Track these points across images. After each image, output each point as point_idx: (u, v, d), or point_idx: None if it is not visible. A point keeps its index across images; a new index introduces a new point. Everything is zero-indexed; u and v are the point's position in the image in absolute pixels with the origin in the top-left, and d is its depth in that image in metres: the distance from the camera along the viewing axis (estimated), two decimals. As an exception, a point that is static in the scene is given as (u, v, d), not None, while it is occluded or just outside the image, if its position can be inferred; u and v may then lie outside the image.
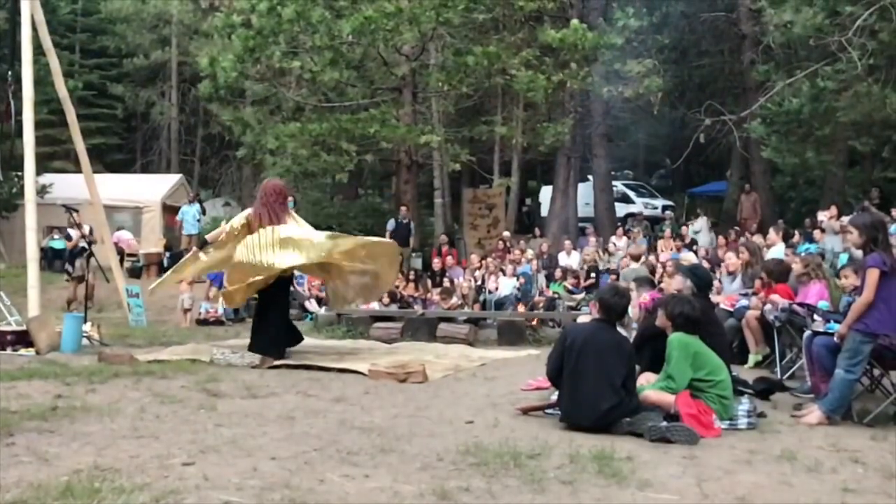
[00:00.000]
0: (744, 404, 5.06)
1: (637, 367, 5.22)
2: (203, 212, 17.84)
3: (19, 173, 13.90)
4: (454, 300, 12.14)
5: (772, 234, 11.25)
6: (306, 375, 6.89)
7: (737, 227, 16.29)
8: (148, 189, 20.34)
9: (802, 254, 9.24)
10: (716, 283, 9.56)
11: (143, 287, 12.29)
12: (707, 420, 4.78)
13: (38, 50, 10.62)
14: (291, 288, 9.73)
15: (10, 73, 10.29)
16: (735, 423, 4.95)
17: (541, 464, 3.90)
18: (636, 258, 13.34)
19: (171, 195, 20.09)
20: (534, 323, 11.21)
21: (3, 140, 12.00)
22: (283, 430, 4.60)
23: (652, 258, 13.46)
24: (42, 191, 16.25)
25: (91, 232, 12.02)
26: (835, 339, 5.29)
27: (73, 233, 11.46)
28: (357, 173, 20.20)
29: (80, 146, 11.15)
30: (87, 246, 11.51)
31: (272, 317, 7.92)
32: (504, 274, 13.28)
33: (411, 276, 13.55)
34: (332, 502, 3.24)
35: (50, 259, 16.83)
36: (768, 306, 7.29)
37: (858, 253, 5.73)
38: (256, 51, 13.93)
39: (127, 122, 29.88)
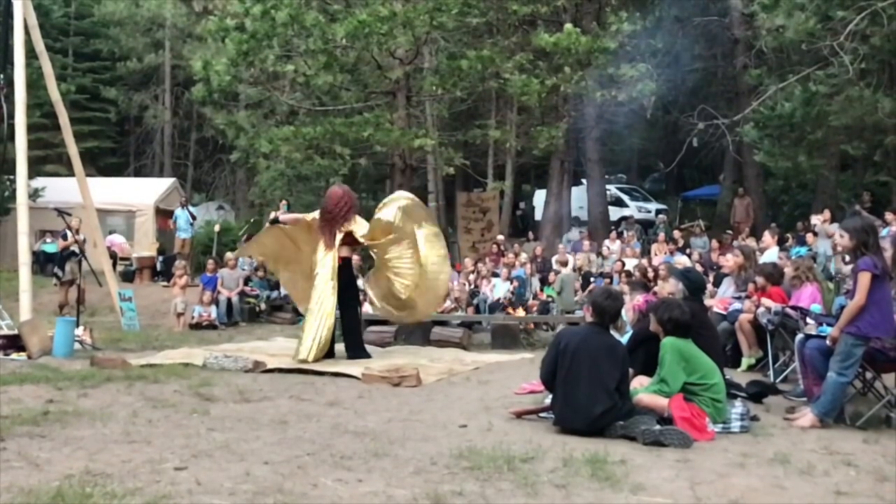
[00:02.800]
0: (737, 407, 5.08)
1: (630, 371, 5.23)
2: (193, 217, 17.72)
3: (11, 177, 13.86)
4: (448, 304, 12.14)
5: (767, 236, 11.29)
6: (299, 379, 6.87)
7: (730, 231, 16.34)
8: (141, 193, 20.27)
9: (794, 257, 9.28)
10: (709, 286, 9.59)
11: (135, 291, 12.25)
12: (700, 423, 4.79)
13: (31, 53, 10.58)
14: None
15: (2, 76, 10.24)
16: (728, 427, 4.96)
17: (534, 467, 3.89)
18: (564, 263, 13.37)
19: (165, 199, 20.04)
20: (528, 326, 11.22)
21: (-5, 143, 11.94)
22: (276, 434, 4.58)
23: (644, 261, 13.51)
24: (34, 194, 16.19)
25: (78, 231, 11.99)
26: (827, 342, 5.31)
27: (69, 235, 11.40)
28: (351, 177, 20.11)
29: (72, 150, 11.11)
30: (77, 251, 11.45)
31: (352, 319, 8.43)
32: (498, 277, 13.28)
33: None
34: (325, 507, 3.23)
35: (42, 263, 16.76)
36: (761, 309, 7.32)
37: (847, 269, 5.75)
38: (250, 54, 13.91)
39: (120, 125, 29.74)
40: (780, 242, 11.54)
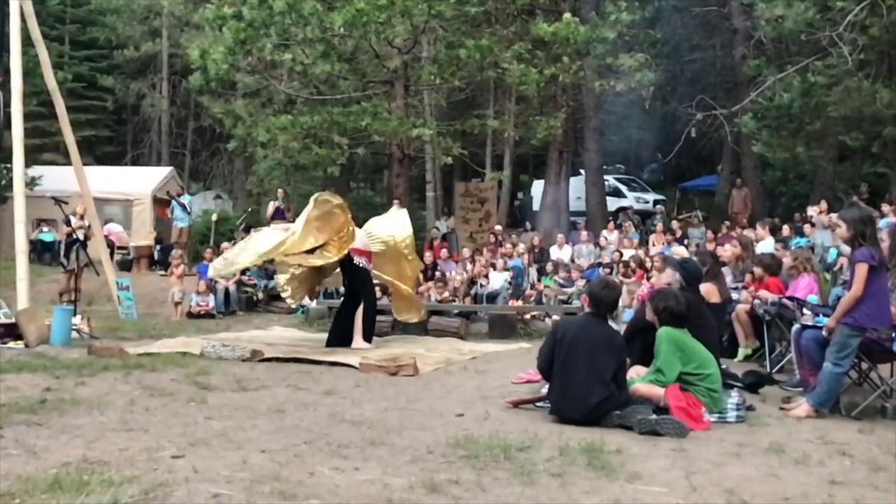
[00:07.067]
0: (733, 397, 5.10)
1: (627, 360, 5.24)
2: (184, 207, 17.58)
3: (8, 165, 13.81)
4: (446, 294, 12.16)
5: (759, 229, 11.29)
6: (297, 368, 6.89)
7: (728, 222, 16.34)
8: (138, 181, 20.20)
9: (793, 248, 9.29)
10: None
11: (132, 280, 12.24)
12: (696, 413, 4.81)
13: (27, 41, 10.52)
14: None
15: (-2, 64, 10.21)
16: (724, 416, 4.98)
17: (530, 456, 3.91)
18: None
19: (162, 188, 19.99)
20: (525, 316, 11.23)
21: (-9, 132, 11.90)
22: (273, 422, 4.59)
23: (641, 252, 13.52)
24: (31, 183, 16.12)
25: (89, 226, 11.96)
26: (823, 332, 5.32)
27: (74, 220, 11.35)
28: (349, 166, 20.11)
29: (69, 138, 11.07)
30: (81, 237, 11.41)
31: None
32: (495, 268, 13.28)
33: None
34: (322, 495, 3.23)
35: (39, 252, 16.73)
36: (758, 300, 7.33)
37: (846, 248, 5.77)
38: (247, 43, 13.85)
39: (117, 114, 29.63)
40: (773, 233, 11.55)
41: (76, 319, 8.77)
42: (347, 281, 8.98)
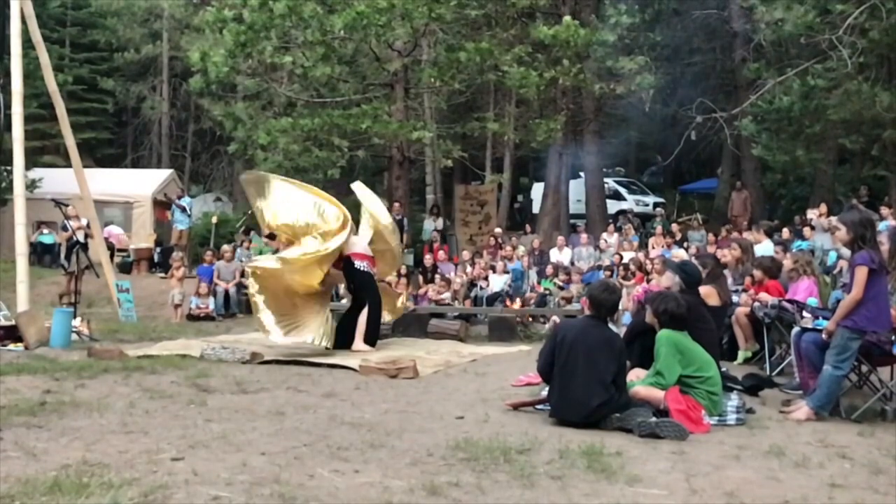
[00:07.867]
0: (733, 400, 5.10)
1: (627, 363, 5.24)
2: (182, 209, 17.59)
3: (8, 168, 13.82)
4: (446, 296, 12.16)
5: (755, 233, 11.30)
6: (296, 371, 6.89)
7: (728, 225, 16.35)
8: (139, 184, 20.22)
9: (793, 251, 9.30)
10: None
11: (132, 282, 12.25)
12: (696, 416, 4.81)
13: (28, 44, 10.53)
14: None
15: (-2, 66, 10.21)
16: (724, 419, 4.98)
17: (530, 459, 3.90)
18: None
19: (162, 190, 20.00)
20: (525, 319, 11.23)
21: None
22: (273, 425, 4.59)
23: (640, 255, 13.52)
24: (31, 185, 16.14)
25: (88, 225, 11.97)
26: (823, 335, 5.32)
27: (72, 224, 11.37)
28: (349, 169, 20.09)
29: (69, 141, 11.08)
30: (81, 239, 11.42)
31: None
32: (494, 271, 13.29)
33: (402, 273, 13.52)
34: (322, 497, 3.23)
35: (39, 254, 16.74)
36: (758, 303, 7.33)
37: (846, 251, 5.77)
38: (248, 46, 13.87)
39: (117, 116, 29.66)
40: (769, 235, 11.56)
41: (76, 321, 8.77)
42: (351, 286, 8.98)
